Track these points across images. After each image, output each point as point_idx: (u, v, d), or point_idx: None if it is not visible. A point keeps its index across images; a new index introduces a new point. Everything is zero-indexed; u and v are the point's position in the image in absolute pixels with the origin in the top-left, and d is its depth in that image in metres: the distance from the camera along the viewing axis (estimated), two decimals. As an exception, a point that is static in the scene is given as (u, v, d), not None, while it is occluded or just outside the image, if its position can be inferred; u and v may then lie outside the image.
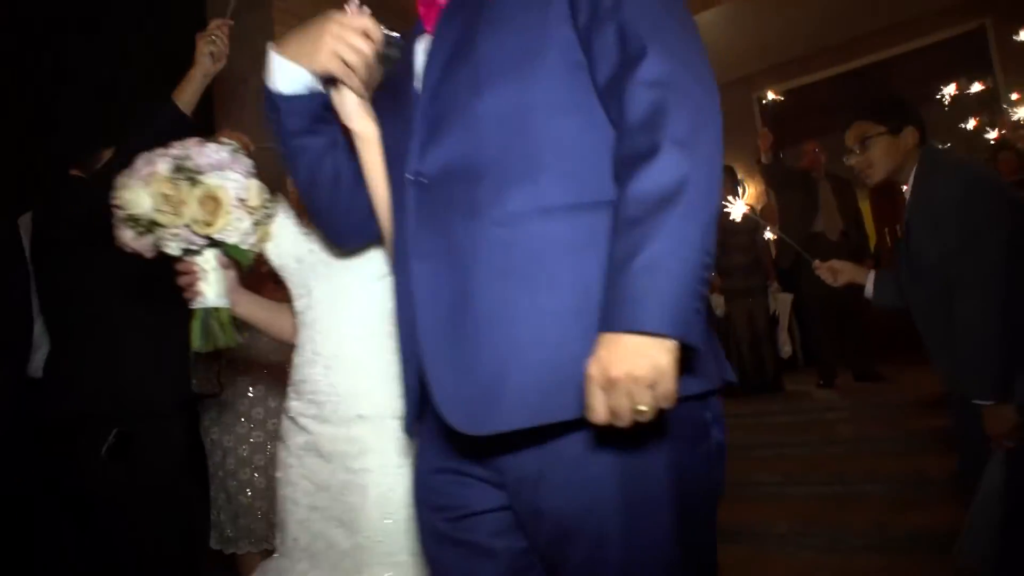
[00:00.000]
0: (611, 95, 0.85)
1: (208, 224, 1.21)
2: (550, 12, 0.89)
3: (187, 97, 1.84)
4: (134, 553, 1.89)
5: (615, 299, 0.76)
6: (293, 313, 1.44)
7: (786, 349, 4.95)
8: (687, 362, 0.79)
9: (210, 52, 1.80)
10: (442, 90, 0.93)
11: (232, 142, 1.29)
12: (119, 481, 1.87)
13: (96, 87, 3.68)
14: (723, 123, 0.83)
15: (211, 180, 1.21)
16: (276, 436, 2.44)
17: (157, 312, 1.95)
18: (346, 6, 1.00)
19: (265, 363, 2.48)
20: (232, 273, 1.35)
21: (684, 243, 0.75)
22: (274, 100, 1.03)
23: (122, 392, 1.90)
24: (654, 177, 0.77)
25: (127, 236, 1.22)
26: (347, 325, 1.34)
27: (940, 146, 2.75)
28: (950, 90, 5.52)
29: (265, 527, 2.40)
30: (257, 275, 2.08)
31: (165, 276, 1.32)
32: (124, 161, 1.25)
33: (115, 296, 1.94)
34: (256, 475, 2.44)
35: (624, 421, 0.75)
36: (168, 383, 2.00)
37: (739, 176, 5.61)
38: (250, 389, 2.48)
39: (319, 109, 1.06)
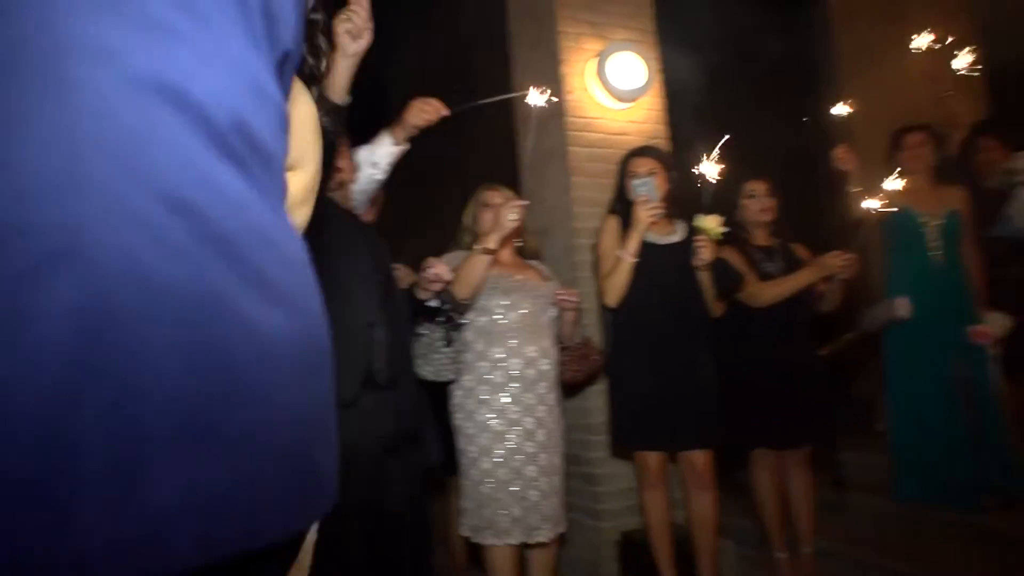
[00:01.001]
0: None
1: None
2: None
3: (334, 83, 1.73)
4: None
5: None
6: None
7: None
8: None
9: (347, 31, 1.68)
10: None
11: None
12: None
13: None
14: None
15: None
16: (518, 425, 2.39)
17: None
18: None
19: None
20: None
21: None
22: None
23: None
24: None
25: None
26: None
27: None
28: None
29: (509, 521, 2.34)
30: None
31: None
32: None
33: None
34: (498, 465, 2.39)
35: None
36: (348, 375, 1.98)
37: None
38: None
39: None
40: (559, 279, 2.82)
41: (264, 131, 0.53)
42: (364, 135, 2.33)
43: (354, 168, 2.24)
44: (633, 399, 2.64)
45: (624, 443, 2.75)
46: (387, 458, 2.05)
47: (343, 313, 1.96)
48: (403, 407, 2.12)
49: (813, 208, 4.06)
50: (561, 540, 2.58)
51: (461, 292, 2.44)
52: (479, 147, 3.69)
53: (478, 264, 2.42)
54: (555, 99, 2.30)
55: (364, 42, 1.70)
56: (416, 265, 2.48)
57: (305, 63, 0.91)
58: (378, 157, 2.28)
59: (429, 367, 2.44)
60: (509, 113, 3.56)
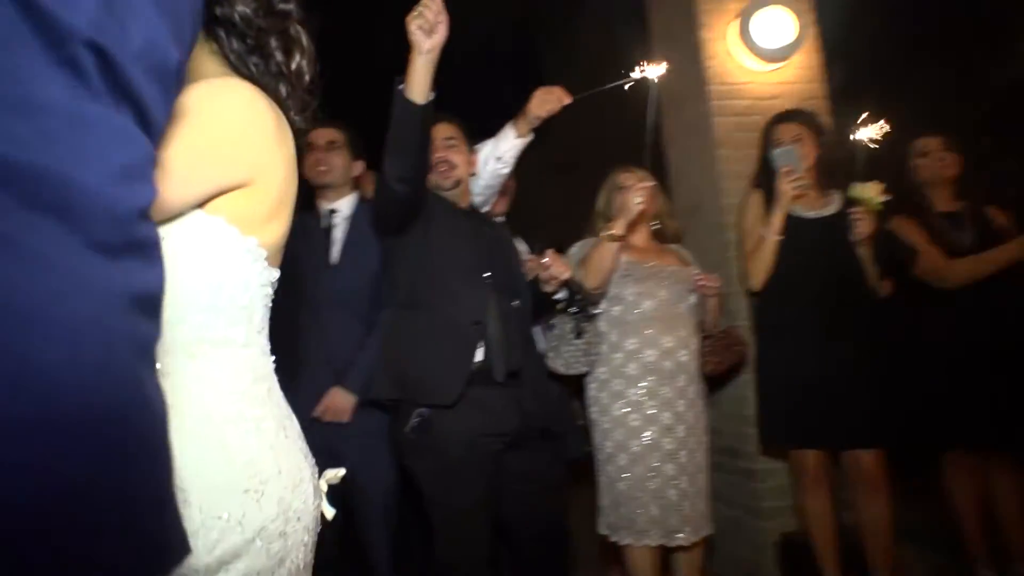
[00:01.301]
0: None
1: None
2: None
3: (413, 82, 1.72)
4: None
5: None
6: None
7: None
8: None
9: (418, 27, 1.65)
10: None
11: None
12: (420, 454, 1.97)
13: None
14: None
15: None
16: (655, 421, 2.27)
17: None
18: None
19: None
20: None
21: None
22: None
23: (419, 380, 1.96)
24: None
25: None
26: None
27: None
28: None
29: (647, 521, 2.22)
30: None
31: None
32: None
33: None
34: (634, 461, 2.27)
35: None
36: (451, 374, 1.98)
37: None
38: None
39: None
40: (706, 262, 2.63)
41: None
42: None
43: (471, 163, 2.24)
44: (784, 392, 2.41)
45: (776, 440, 2.52)
46: (510, 455, 2.05)
47: (447, 311, 1.98)
48: (528, 402, 2.09)
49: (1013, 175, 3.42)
50: (716, 538, 2.42)
51: (590, 281, 2.36)
52: (621, 128, 3.57)
53: (605, 252, 2.33)
54: (670, 72, 2.13)
55: (439, 37, 1.66)
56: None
57: (270, 59, 0.84)
58: (502, 151, 2.26)
59: (560, 360, 2.39)
60: (649, 90, 3.38)
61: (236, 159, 0.75)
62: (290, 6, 0.84)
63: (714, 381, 2.65)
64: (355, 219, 2.39)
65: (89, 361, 0.42)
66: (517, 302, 2.13)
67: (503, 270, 2.14)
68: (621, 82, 2.09)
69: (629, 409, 2.32)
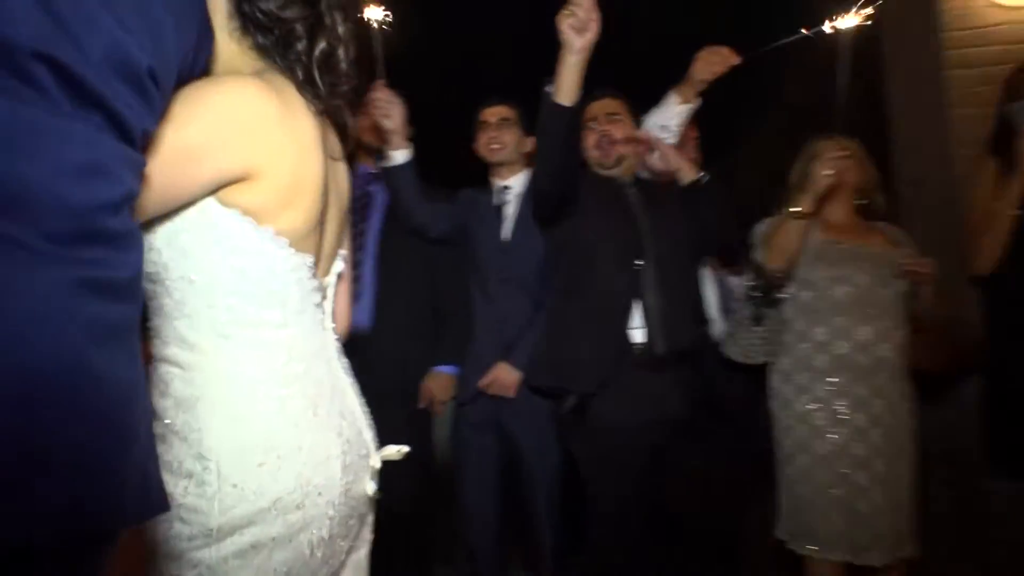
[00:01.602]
0: None
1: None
2: None
3: (563, 82, 1.68)
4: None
5: None
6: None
7: None
8: None
9: (570, 26, 1.61)
10: None
11: None
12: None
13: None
14: None
15: None
16: (845, 422, 2.00)
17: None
18: None
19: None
20: None
21: None
22: None
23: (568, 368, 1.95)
24: None
25: None
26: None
27: None
28: None
29: (830, 532, 1.97)
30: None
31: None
32: None
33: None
34: (817, 464, 2.02)
35: None
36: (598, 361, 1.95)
37: None
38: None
39: None
40: (930, 243, 2.24)
41: None
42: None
43: (630, 140, 2.12)
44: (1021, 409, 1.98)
45: (1008, 470, 2.09)
46: (678, 444, 1.94)
47: (596, 297, 1.93)
48: (699, 389, 1.97)
49: None
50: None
51: (772, 262, 2.14)
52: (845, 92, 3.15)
53: (789, 230, 2.09)
54: (867, 21, 1.81)
55: (591, 35, 1.62)
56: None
57: (291, 46, 0.85)
58: (666, 119, 2.13)
59: (736, 347, 2.21)
60: (873, 48, 2.94)
61: (225, 154, 0.77)
62: None
63: (931, 382, 2.26)
64: (527, 196, 2.40)
65: (29, 337, 0.46)
66: (682, 277, 2.00)
67: (671, 244, 2.01)
68: (798, 36, 1.84)
69: (814, 406, 2.07)
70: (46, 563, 0.51)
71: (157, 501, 0.59)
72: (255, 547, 0.77)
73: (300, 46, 0.85)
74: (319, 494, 0.81)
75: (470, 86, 2.73)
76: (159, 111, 0.63)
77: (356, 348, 2.23)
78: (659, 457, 1.92)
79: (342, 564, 0.89)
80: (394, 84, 2.16)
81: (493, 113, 2.41)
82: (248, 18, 0.84)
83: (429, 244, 2.38)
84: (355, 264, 2.32)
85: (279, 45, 0.85)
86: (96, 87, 0.52)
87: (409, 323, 2.37)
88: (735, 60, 1.98)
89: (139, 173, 0.59)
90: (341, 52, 0.88)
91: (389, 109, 2.05)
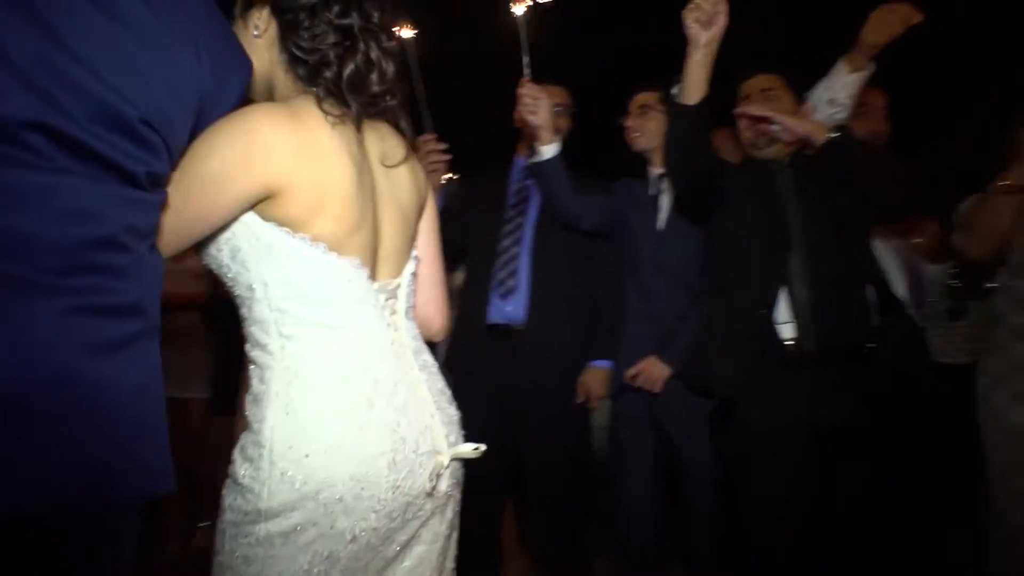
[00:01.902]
0: None
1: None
2: None
3: (689, 78, 1.64)
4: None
5: None
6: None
7: None
8: None
9: (695, 20, 1.58)
10: None
11: None
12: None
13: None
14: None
15: None
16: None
17: None
18: None
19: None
20: None
21: None
22: None
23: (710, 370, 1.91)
24: None
25: None
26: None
27: None
28: None
29: None
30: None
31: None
32: None
33: None
34: None
35: None
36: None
37: None
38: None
39: None
40: None
41: None
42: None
43: (739, 116, 1.92)
44: None
45: None
46: (846, 450, 1.74)
47: (738, 297, 1.82)
48: (863, 387, 1.74)
49: None
50: None
51: (974, 249, 1.82)
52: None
53: (998, 208, 1.75)
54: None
55: (717, 29, 1.58)
56: None
57: (320, 74, 0.92)
58: (835, 92, 1.89)
59: (929, 347, 1.91)
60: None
61: (243, 177, 0.84)
62: (348, 20, 0.92)
63: None
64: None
65: (20, 354, 0.57)
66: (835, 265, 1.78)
67: (827, 228, 1.78)
68: None
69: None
70: (58, 530, 0.62)
71: (160, 481, 0.67)
72: (297, 530, 0.83)
73: (329, 73, 0.93)
74: (362, 488, 0.85)
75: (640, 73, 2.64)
76: (165, 151, 0.72)
77: (511, 342, 2.32)
78: (815, 462, 1.72)
79: (399, 555, 0.92)
80: (545, 78, 2.17)
81: (635, 101, 2.36)
82: (289, 53, 0.94)
83: (584, 237, 2.36)
84: (510, 258, 2.37)
85: (311, 72, 0.94)
86: (86, 142, 0.62)
87: (566, 316, 2.37)
88: (916, 18, 1.70)
89: (146, 209, 0.69)
90: (374, 73, 0.94)
91: (535, 105, 2.05)
